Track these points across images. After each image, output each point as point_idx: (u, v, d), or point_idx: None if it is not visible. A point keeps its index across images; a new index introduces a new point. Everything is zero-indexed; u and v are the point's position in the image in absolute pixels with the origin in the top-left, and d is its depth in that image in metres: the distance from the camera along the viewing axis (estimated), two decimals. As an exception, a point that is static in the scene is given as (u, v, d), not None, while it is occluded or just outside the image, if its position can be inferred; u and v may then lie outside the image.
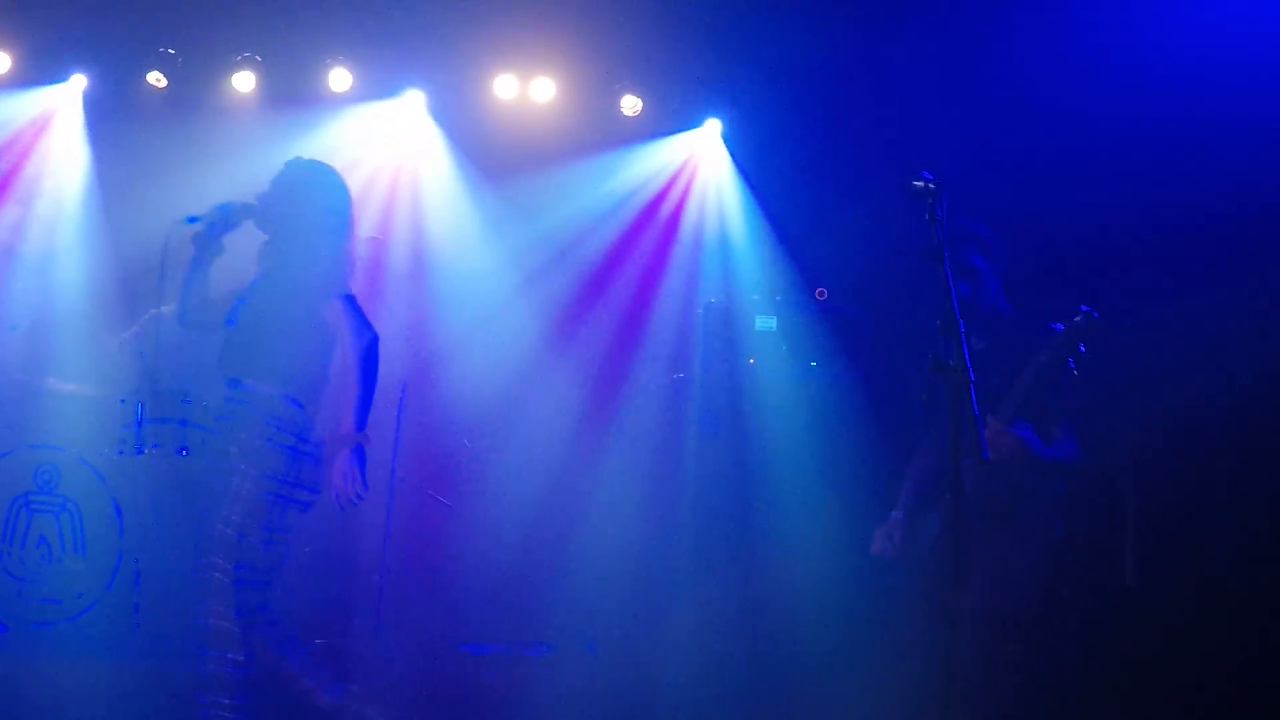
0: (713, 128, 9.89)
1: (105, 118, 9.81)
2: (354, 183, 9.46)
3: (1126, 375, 7.01)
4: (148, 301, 8.95)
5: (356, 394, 5.75)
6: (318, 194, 6.07)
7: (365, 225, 8.84)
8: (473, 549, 8.62)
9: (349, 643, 8.00)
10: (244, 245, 6.22)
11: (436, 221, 10.02)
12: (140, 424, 8.05)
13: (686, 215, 10.04)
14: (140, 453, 8.03)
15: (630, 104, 9.81)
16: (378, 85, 9.87)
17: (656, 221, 10.05)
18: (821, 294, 8.44)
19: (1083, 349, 5.10)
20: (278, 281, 5.93)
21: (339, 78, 9.73)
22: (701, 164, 10.09)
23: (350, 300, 5.92)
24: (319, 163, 6.30)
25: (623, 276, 9.88)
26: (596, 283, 9.87)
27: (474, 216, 9.93)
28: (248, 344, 5.87)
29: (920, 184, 4.27)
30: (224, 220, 6.01)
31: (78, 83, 9.72)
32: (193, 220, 6.03)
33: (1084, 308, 5.14)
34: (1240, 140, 7.03)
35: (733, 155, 9.91)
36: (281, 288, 5.90)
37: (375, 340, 5.85)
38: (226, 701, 5.57)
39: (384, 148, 9.98)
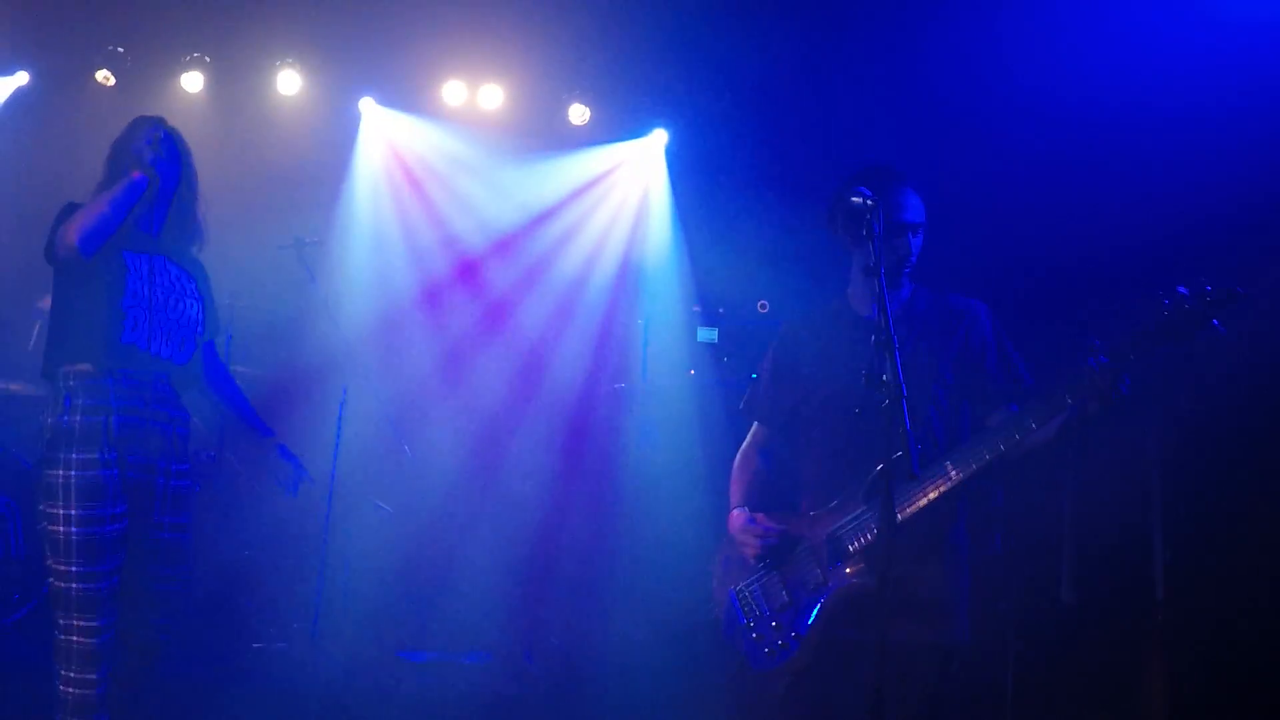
0: (658, 138, 9.92)
1: (52, 114, 9.78)
2: (303, 183, 9.59)
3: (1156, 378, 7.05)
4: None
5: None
6: None
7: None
8: (411, 556, 8.61)
9: (286, 648, 7.97)
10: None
11: (384, 229, 10.04)
12: (80, 424, 7.99)
13: (628, 225, 10.08)
14: (80, 453, 7.96)
15: (578, 113, 9.83)
16: (327, 89, 9.87)
17: (598, 231, 10.08)
18: (763, 306, 8.46)
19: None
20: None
21: (288, 80, 9.72)
22: (642, 174, 10.12)
23: None
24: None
25: (563, 284, 9.90)
26: (537, 290, 9.90)
27: (424, 223, 9.95)
28: None
29: (858, 200, 4.27)
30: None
31: (19, 79, 9.68)
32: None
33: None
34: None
35: (672, 169, 9.97)
36: None
37: None
38: None
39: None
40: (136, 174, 4.97)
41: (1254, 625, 6.48)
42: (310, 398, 8.67)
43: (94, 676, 4.81)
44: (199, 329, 5.18)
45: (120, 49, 9.71)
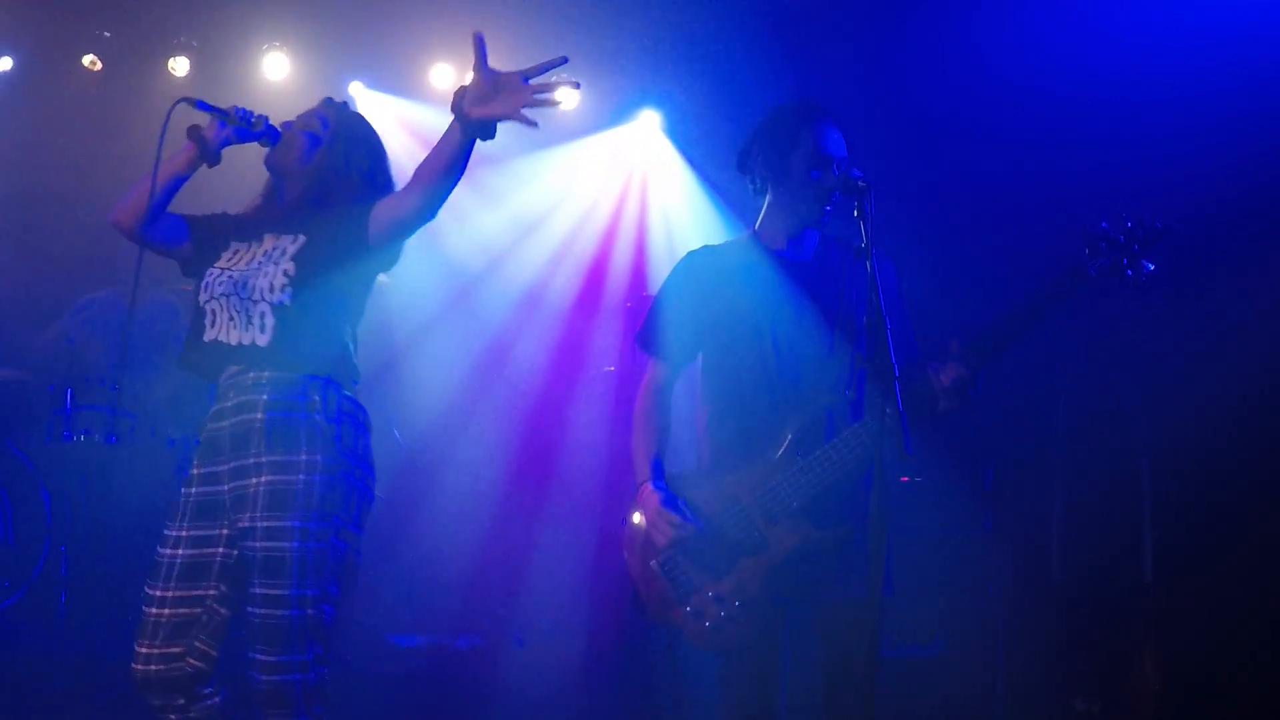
0: (650, 119, 9.92)
1: (39, 100, 9.76)
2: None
3: (1146, 364, 7.06)
4: (75, 291, 8.95)
5: None
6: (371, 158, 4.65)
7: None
8: (400, 540, 8.60)
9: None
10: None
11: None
12: (69, 411, 7.99)
13: (624, 210, 10.09)
14: (69, 439, 7.97)
15: (567, 94, 9.81)
16: (315, 73, 9.85)
17: (588, 218, 10.08)
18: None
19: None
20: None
21: (275, 63, 9.71)
22: (638, 156, 10.12)
23: None
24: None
25: (554, 272, 9.91)
26: (527, 277, 9.90)
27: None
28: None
29: (853, 180, 4.25)
30: (242, 125, 4.43)
31: (3, 64, 9.66)
32: (203, 106, 4.47)
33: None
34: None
35: (676, 143, 9.95)
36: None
37: None
38: None
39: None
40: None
41: (1244, 606, 6.49)
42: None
43: (159, 702, 4.35)
44: (280, 297, 4.27)
45: (107, 34, 9.68)
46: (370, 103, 10.03)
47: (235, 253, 4.45)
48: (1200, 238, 6.36)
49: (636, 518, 4.49)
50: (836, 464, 4.22)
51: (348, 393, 4.35)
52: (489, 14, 9.22)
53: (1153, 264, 4.11)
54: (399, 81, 9.97)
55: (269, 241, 4.41)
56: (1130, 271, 4.11)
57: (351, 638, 7.83)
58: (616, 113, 9.96)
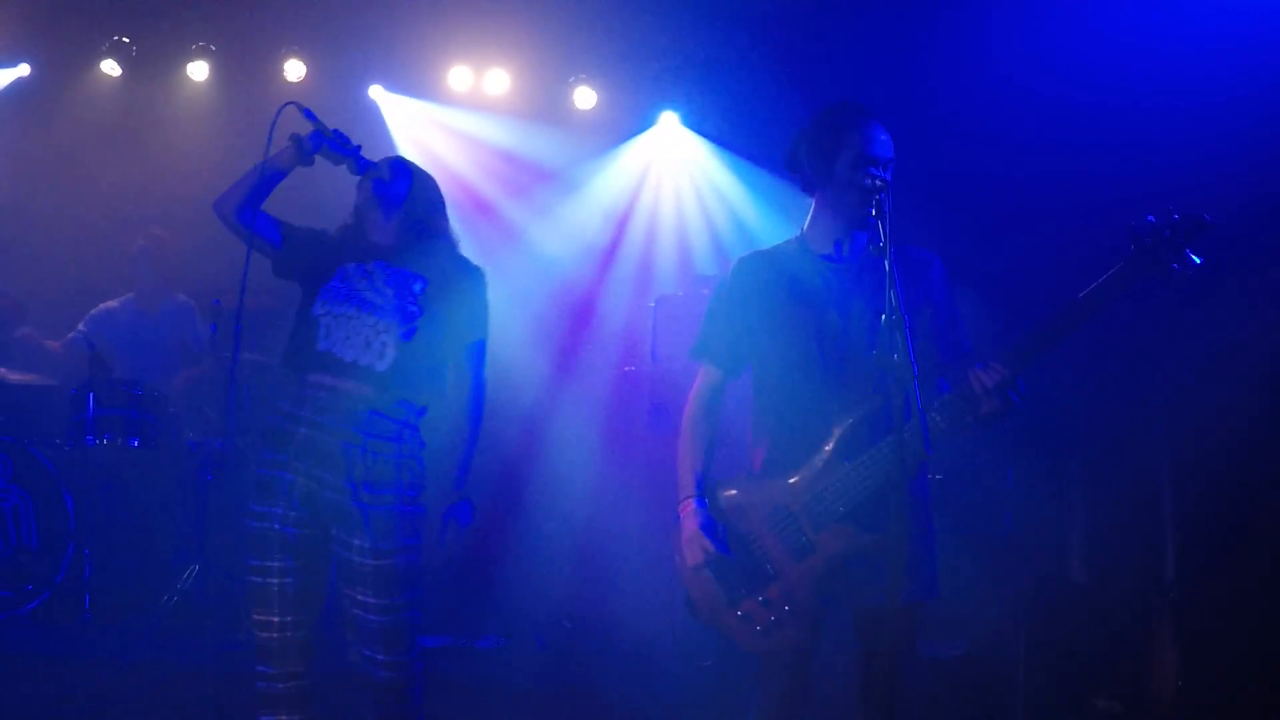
0: (670, 119, 9.94)
1: (56, 106, 9.80)
2: (311, 170, 9.58)
3: (1166, 362, 7.05)
4: (90, 296, 8.99)
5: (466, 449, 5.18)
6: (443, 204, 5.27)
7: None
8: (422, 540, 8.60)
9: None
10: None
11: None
12: (91, 415, 8.02)
13: (647, 207, 10.12)
14: (91, 444, 8.00)
15: (584, 96, 9.84)
16: (333, 76, 9.88)
17: (616, 218, 10.10)
18: None
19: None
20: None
21: (294, 68, 9.74)
22: (668, 155, 10.16)
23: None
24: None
25: (578, 271, 9.92)
26: (556, 279, 9.91)
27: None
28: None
29: (869, 181, 4.25)
30: (338, 142, 5.01)
31: (20, 70, 9.72)
32: (308, 115, 5.05)
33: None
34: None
35: (699, 134, 9.99)
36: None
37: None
38: None
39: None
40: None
41: (1266, 604, 6.48)
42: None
43: (264, 670, 4.80)
44: (404, 332, 4.85)
45: (126, 39, 9.72)
46: (390, 106, 10.06)
47: (350, 276, 4.94)
48: (1222, 238, 6.36)
49: (689, 525, 4.50)
50: (882, 467, 4.20)
51: (428, 416, 4.99)
52: (507, 14, 9.28)
53: (1200, 257, 4.07)
54: (418, 84, 9.99)
55: (386, 273, 4.95)
56: (1176, 265, 4.06)
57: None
58: (637, 120, 9.98)
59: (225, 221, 4.99)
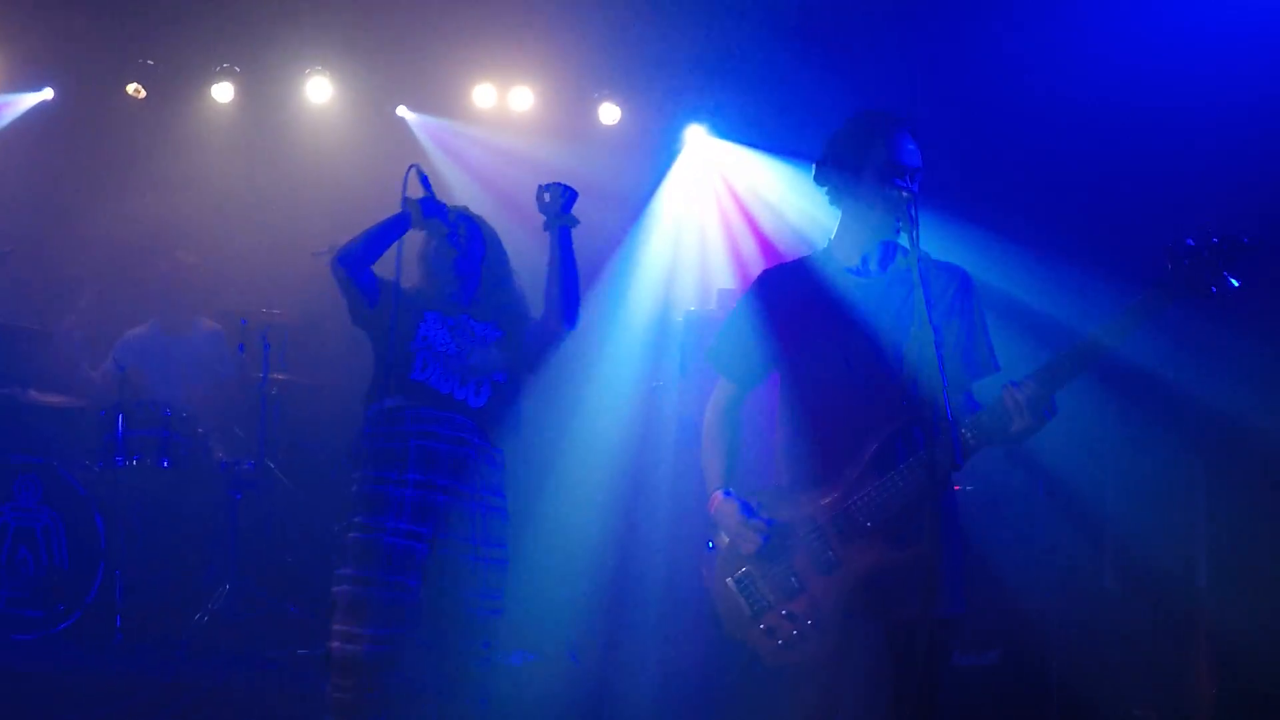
0: (696, 133, 9.94)
1: (81, 130, 9.84)
2: (335, 190, 9.62)
3: (1199, 367, 7.02)
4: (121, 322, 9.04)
5: None
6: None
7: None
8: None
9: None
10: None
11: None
12: (121, 435, 8.05)
13: (675, 220, 10.12)
14: (121, 464, 8.03)
15: (609, 112, 9.85)
16: (358, 96, 9.91)
17: (643, 232, 10.10)
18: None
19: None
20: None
21: (318, 88, 9.77)
22: (692, 167, 10.17)
23: None
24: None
25: (605, 286, 9.91)
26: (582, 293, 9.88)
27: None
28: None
29: (896, 192, 4.22)
30: (443, 215, 5.64)
31: (45, 95, 9.78)
32: (425, 183, 5.67)
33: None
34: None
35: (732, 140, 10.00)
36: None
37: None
38: None
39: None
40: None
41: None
42: (346, 399, 8.70)
43: (350, 682, 5.02)
44: (497, 375, 5.59)
45: (150, 61, 9.76)
46: (416, 125, 10.08)
47: (439, 323, 5.57)
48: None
49: (719, 537, 4.50)
50: (911, 483, 4.14)
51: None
52: (530, 32, 9.30)
53: (1238, 279, 4.01)
54: (442, 103, 10.01)
55: (472, 324, 5.63)
56: (1215, 288, 4.01)
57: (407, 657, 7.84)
58: (664, 134, 9.98)
59: (343, 276, 5.54)
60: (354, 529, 5.13)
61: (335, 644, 5.03)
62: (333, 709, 4.99)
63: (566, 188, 5.58)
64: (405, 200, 5.55)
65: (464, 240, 5.61)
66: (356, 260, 5.50)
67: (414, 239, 5.73)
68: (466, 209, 5.77)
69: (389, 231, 5.55)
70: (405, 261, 5.60)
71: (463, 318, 5.60)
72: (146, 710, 6.68)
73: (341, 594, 5.06)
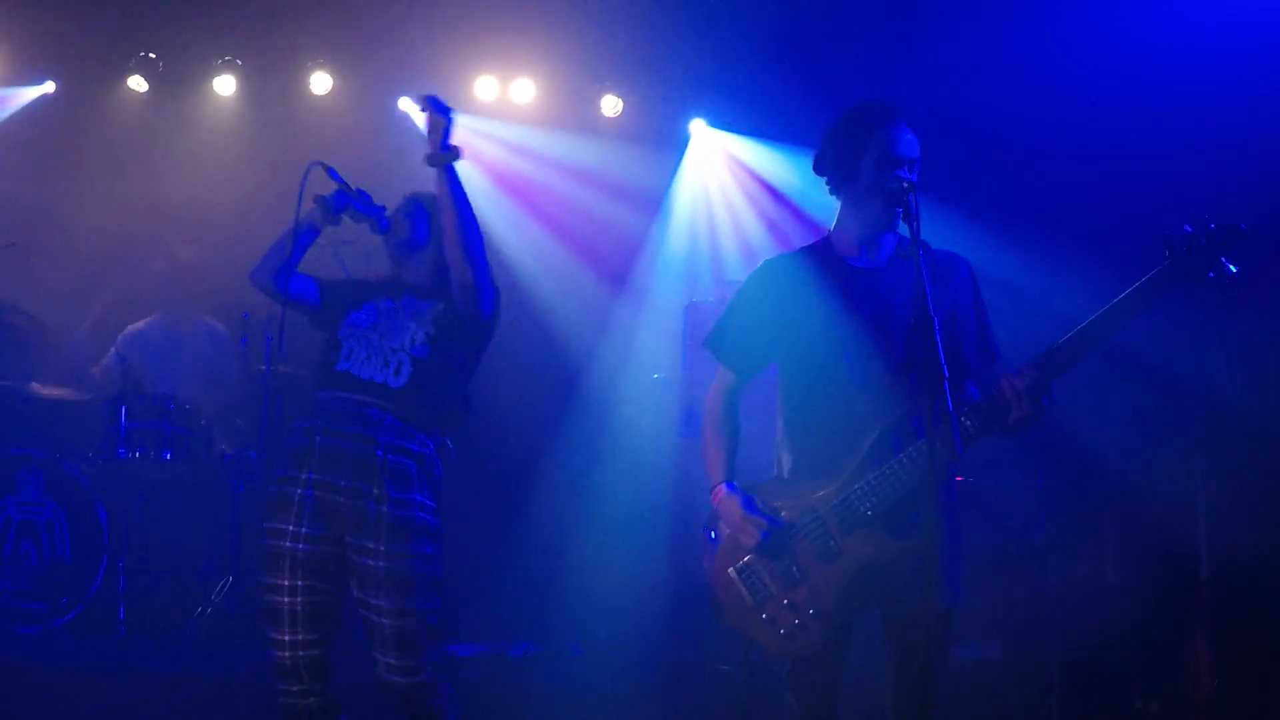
0: (698, 126, 9.96)
1: (83, 123, 9.84)
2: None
3: (1200, 360, 7.02)
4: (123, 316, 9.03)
5: None
6: None
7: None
8: (456, 548, 8.61)
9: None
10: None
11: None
12: (124, 428, 8.05)
13: (680, 211, 10.13)
14: (124, 457, 8.03)
15: (611, 104, 9.85)
16: (360, 89, 9.91)
17: (647, 224, 10.10)
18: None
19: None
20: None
21: (320, 81, 9.76)
22: (696, 159, 10.22)
23: None
24: None
25: (608, 277, 9.91)
26: (585, 286, 9.90)
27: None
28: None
29: (895, 183, 4.22)
30: (362, 202, 5.25)
31: (46, 88, 9.77)
32: (333, 175, 5.26)
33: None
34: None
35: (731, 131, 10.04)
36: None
37: None
38: None
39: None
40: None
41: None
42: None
43: (286, 687, 4.84)
44: (416, 350, 5.04)
45: (152, 55, 9.75)
46: (418, 118, 10.07)
47: (379, 308, 5.14)
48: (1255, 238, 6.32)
49: (721, 528, 4.52)
50: (911, 473, 4.16)
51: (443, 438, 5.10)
52: (532, 24, 9.29)
53: (1235, 266, 4.00)
54: (443, 95, 9.96)
55: (415, 303, 5.14)
56: (1212, 274, 4.01)
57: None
58: (666, 126, 9.99)
59: (264, 291, 5.23)
60: (261, 534, 4.87)
61: (268, 650, 4.85)
62: (281, 712, 4.92)
63: (439, 104, 5.12)
64: (314, 198, 5.19)
65: (403, 223, 5.23)
66: (262, 271, 5.21)
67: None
68: (416, 193, 5.38)
69: (296, 235, 5.19)
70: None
71: (405, 299, 5.17)
72: (150, 703, 6.68)
73: (260, 602, 4.90)
